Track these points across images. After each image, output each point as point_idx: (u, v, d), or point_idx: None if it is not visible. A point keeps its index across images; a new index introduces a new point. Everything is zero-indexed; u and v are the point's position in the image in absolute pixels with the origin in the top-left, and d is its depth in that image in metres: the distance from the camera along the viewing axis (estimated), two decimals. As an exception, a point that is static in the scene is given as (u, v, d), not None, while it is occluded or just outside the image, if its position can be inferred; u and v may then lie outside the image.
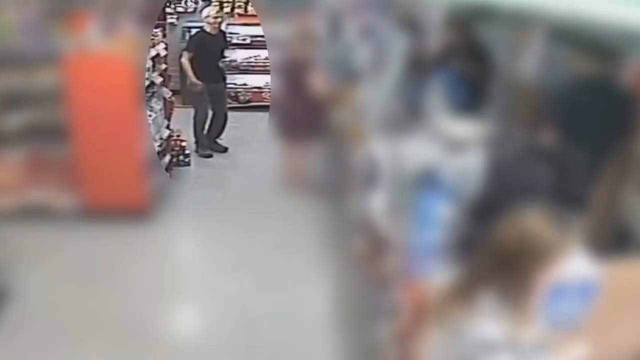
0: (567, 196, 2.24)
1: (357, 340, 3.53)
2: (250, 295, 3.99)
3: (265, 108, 6.81)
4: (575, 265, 2.12)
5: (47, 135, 4.68)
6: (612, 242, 2.21)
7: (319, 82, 5.10)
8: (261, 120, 7.13)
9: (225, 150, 6.78)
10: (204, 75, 6.47)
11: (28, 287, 3.85)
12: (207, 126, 6.75)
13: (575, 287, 2.14)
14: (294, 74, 5.40)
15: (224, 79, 6.96)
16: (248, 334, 3.58)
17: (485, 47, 2.53)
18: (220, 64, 6.74)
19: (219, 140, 6.88)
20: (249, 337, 3.56)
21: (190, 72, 6.44)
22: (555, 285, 2.11)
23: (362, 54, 4.44)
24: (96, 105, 4.64)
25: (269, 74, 7.33)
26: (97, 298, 3.85)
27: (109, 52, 4.54)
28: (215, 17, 6.55)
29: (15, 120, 4.66)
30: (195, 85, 6.46)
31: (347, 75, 4.52)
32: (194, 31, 7.22)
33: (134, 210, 4.80)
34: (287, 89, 5.72)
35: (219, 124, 6.80)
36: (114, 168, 4.78)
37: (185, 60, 6.51)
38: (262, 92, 8.13)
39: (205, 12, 6.66)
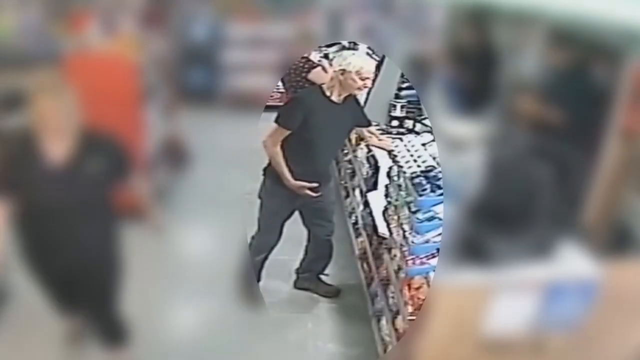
0: (567, 196, 2.24)
1: (356, 340, 3.54)
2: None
3: (265, 108, 6.75)
4: (575, 265, 2.12)
5: (47, 135, 4.68)
6: (612, 242, 2.21)
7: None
8: (261, 120, 7.13)
9: (337, 293, 3.98)
10: (307, 171, 3.48)
11: (28, 288, 3.84)
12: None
13: (575, 287, 2.15)
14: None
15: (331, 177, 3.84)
16: (248, 333, 3.59)
17: (498, 53, 2.53)
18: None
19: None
20: (249, 336, 3.56)
21: (285, 168, 3.46)
22: (556, 285, 2.12)
23: (362, 54, 4.45)
24: (96, 105, 4.63)
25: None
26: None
27: (109, 52, 4.54)
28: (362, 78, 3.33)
29: (15, 120, 4.65)
30: (299, 189, 3.49)
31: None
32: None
33: (133, 210, 4.79)
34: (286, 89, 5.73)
35: (322, 251, 3.95)
36: (114, 168, 4.77)
37: (273, 145, 3.49)
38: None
39: (342, 60, 3.38)
